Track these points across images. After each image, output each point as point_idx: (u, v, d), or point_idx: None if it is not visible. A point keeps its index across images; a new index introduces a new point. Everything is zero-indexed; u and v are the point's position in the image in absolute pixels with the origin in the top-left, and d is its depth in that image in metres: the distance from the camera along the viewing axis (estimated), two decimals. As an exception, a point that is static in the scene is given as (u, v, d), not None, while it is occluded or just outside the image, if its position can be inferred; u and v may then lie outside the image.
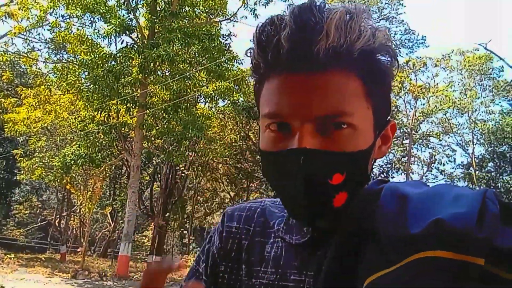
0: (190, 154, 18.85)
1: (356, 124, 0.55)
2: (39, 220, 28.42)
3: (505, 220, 0.48)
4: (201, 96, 16.14)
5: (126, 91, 14.21)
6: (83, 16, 14.21)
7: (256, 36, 0.57)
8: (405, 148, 27.92)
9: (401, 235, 0.48)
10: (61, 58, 15.27)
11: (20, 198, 26.75)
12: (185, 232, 27.54)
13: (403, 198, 0.52)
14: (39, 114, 14.99)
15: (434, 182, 29.88)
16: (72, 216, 23.94)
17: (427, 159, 29.08)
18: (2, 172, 19.75)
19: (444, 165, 28.94)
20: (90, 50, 13.81)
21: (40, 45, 15.55)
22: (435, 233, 0.46)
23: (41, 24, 14.00)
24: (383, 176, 26.83)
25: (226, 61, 14.87)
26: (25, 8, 13.49)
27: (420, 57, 27.69)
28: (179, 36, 12.92)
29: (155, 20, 13.78)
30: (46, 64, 15.41)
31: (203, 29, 13.71)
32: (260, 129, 0.60)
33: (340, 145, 0.54)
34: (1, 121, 16.03)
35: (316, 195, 0.55)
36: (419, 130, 27.78)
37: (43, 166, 15.01)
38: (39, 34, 14.86)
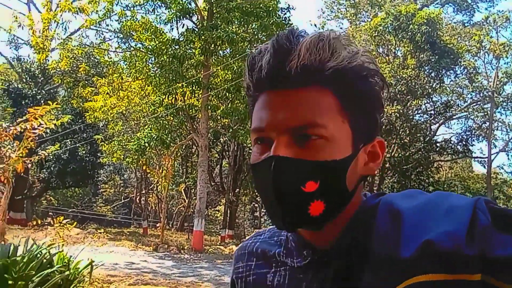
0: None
1: (328, 136, 0.58)
2: (122, 197, 30.94)
3: (498, 227, 0.48)
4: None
5: (190, 73, 14.63)
6: (145, 3, 14.73)
7: (247, 63, 0.64)
8: (486, 113, 25.66)
9: (393, 259, 0.50)
10: (129, 46, 16.06)
11: (105, 178, 29.21)
12: (256, 205, 28.26)
13: (397, 215, 0.54)
14: (114, 101, 16.05)
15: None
16: (151, 193, 25.68)
17: (512, 124, 26.53)
18: (88, 155, 21.58)
19: (533, 129, 26.24)
20: (154, 37, 14.35)
21: (110, 36, 16.49)
22: (425, 256, 0.48)
23: (109, 15, 14.79)
24: (462, 144, 25.02)
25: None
26: (93, 2, 14.32)
27: (502, 11, 24.92)
28: (237, 15, 12.90)
29: (213, 1, 13.87)
30: (116, 53, 16.34)
31: (261, 6, 13.54)
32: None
33: (313, 155, 0.58)
34: (82, 109, 17.45)
35: (289, 201, 0.58)
36: (502, 92, 25.27)
37: (121, 149, 16.16)
38: (108, 25, 15.73)
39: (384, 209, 0.57)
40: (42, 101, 16.73)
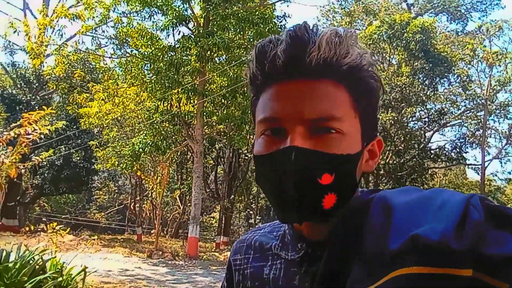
0: (252, 136, 19.05)
1: (344, 130, 0.59)
2: (116, 204, 30.76)
3: (492, 224, 0.48)
4: (258, 80, 16.12)
5: (186, 80, 14.66)
6: (142, 10, 14.79)
7: (255, 52, 0.62)
8: (479, 120, 25.90)
9: (381, 252, 0.50)
10: (124, 52, 16.11)
11: (99, 184, 29.04)
12: (251, 212, 28.21)
13: (388, 210, 0.54)
14: (109, 107, 16.03)
15: (513, 157, 27.56)
16: (145, 200, 25.55)
17: (506, 131, 26.77)
18: (82, 161, 21.44)
19: (526, 137, 26.49)
20: (150, 43, 14.40)
21: (106, 42, 16.52)
22: (411, 249, 0.48)
23: (105, 21, 14.83)
24: (456, 152, 25.18)
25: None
26: (90, 8, 14.36)
27: (495, 21, 25.30)
28: (233, 22, 12.97)
29: (209, 8, 13.96)
30: (112, 59, 16.35)
31: (257, 13, 13.65)
32: (255, 136, 0.64)
33: (330, 147, 0.58)
34: (77, 115, 17.41)
35: (306, 192, 0.58)
36: (495, 100, 25.55)
37: (115, 155, 16.11)
38: (103, 31, 15.76)
39: (377, 204, 0.56)
40: (36, 107, 16.65)
